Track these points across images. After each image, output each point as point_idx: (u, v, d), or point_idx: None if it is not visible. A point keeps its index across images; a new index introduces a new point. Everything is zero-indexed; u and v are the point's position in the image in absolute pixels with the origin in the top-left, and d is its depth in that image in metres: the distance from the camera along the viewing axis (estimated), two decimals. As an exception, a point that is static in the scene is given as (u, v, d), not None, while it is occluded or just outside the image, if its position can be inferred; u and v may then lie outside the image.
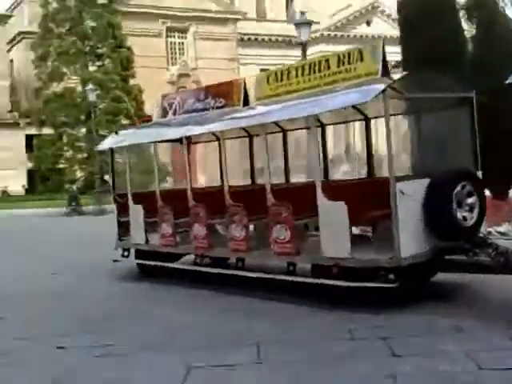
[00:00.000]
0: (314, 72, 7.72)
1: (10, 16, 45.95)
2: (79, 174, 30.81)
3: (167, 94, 10.39)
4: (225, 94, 9.17)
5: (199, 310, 6.90)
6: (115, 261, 9.76)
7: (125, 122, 29.89)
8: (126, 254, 9.83)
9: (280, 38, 62.45)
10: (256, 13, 59.87)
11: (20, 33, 49.65)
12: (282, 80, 8.30)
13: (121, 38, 31.35)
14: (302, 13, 17.13)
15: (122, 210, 9.78)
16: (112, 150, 10.35)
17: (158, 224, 9.09)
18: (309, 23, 16.85)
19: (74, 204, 24.65)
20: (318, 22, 62.93)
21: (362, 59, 7.15)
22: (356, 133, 26.07)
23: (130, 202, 9.60)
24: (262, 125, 7.78)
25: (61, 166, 30.67)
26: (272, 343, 5.38)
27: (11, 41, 48.18)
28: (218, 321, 6.35)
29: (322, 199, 6.57)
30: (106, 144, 10.41)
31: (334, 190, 6.94)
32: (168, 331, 6.08)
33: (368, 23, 62.98)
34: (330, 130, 9.98)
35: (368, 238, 7.55)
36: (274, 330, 5.80)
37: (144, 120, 10.62)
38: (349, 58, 7.30)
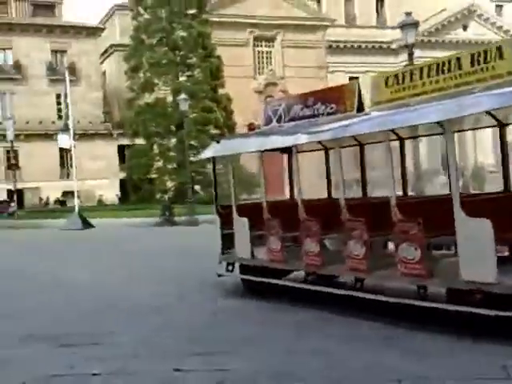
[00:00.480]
0: (443, 72, 6.97)
1: (102, 29, 47.23)
2: (170, 184, 30.98)
3: (271, 101, 9.91)
4: (336, 99, 8.54)
5: (320, 336, 6.28)
6: (220, 275, 9.33)
7: (214, 131, 29.85)
8: (230, 268, 9.37)
9: (370, 45, 61.18)
10: (344, 19, 58.90)
11: (112, 45, 51.09)
12: (403, 82, 7.60)
13: (211, 47, 31.38)
14: (408, 14, 16.25)
15: (226, 222, 9.31)
16: (214, 160, 9.93)
17: (264, 238, 8.59)
18: (415, 24, 15.99)
19: (167, 214, 24.64)
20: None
21: (501, 57, 6.35)
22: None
23: (235, 214, 9.14)
24: (379, 132, 7.11)
25: (152, 175, 30.95)
26: (415, 380, 4.69)
27: (103, 53, 49.61)
28: (346, 349, 5.70)
29: (460, 215, 5.81)
30: (208, 153, 9.99)
31: (474, 206, 6.24)
32: (288, 358, 5.51)
33: (465, 28, 60.57)
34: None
35: (506, 259, 6.69)
36: (411, 365, 5.10)
37: (250, 128, 10.08)
38: (485, 55, 6.52)
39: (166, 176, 31.20)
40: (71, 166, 45.76)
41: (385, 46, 61.99)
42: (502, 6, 66.61)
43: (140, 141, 32.99)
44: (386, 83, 7.82)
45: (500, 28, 61.98)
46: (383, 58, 62.72)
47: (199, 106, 29.89)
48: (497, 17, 63.57)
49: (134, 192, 34.16)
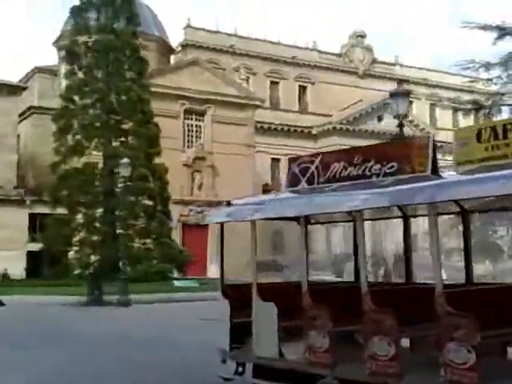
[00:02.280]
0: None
1: (24, 88, 44.57)
2: (93, 258, 27.98)
3: (297, 158, 8.02)
4: (398, 156, 6.80)
5: None
6: (226, 379, 7.10)
7: (147, 202, 27.59)
8: (240, 369, 7.19)
9: (292, 128, 61.77)
10: (269, 102, 59.28)
11: (31, 107, 48.34)
12: (505, 137, 6.01)
13: (150, 114, 29.53)
14: (400, 81, 15.17)
15: (237, 307, 7.27)
16: (222, 226, 7.82)
17: (300, 331, 6.55)
18: (407, 93, 14.86)
19: (96, 292, 21.69)
20: (330, 115, 62.67)
21: None
22: None
23: (256, 297, 7.03)
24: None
25: (74, 248, 27.87)
26: None
27: (19, 115, 46.60)
28: None
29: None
30: (217, 217, 7.92)
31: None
32: None
33: (379, 119, 62.70)
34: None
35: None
36: None
37: (265, 190, 8.08)
38: None
39: (89, 249, 28.23)
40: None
41: (306, 130, 62.95)
42: (412, 102, 69.95)
43: (59, 210, 29.97)
44: (479, 138, 6.20)
45: (411, 122, 64.70)
46: (304, 142, 63.56)
47: (134, 173, 27.65)
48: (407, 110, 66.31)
49: (51, 266, 30.68)
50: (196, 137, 46.79)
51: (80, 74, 29.15)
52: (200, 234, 43.95)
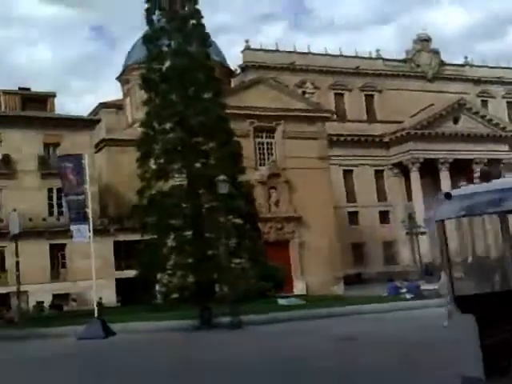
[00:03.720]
0: None
1: (97, 121, 45.85)
2: (190, 279, 27.90)
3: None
4: None
5: None
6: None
7: (237, 221, 27.46)
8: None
9: (362, 138, 60.94)
10: (336, 114, 58.64)
11: (103, 140, 49.67)
12: None
13: (230, 132, 29.47)
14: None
15: (488, 323, 6.06)
16: (443, 223, 6.57)
17: None
18: None
19: (207, 315, 21.44)
20: (400, 122, 61.41)
21: None
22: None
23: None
24: None
25: (168, 271, 27.91)
26: None
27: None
28: None
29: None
30: (442, 213, 6.52)
31: None
32: None
33: (456, 120, 61.01)
34: None
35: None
36: None
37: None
38: None
39: (183, 272, 28.20)
40: (62, 266, 42.68)
41: (377, 139, 61.96)
42: (487, 101, 67.91)
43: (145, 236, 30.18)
44: None
45: (490, 121, 62.65)
46: (375, 151, 62.52)
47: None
48: (485, 110, 64.44)
49: (144, 292, 30.84)
50: (268, 154, 46.64)
51: (157, 101, 29.42)
52: (282, 251, 43.64)
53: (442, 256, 6.67)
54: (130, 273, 34.42)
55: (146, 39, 30.80)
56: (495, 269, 20.94)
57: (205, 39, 30.56)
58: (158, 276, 28.10)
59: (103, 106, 58.90)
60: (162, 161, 28.51)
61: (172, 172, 28.57)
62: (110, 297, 39.67)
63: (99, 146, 49.29)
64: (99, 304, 37.22)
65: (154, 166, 28.63)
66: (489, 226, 34.35)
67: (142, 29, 30.91)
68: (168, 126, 28.63)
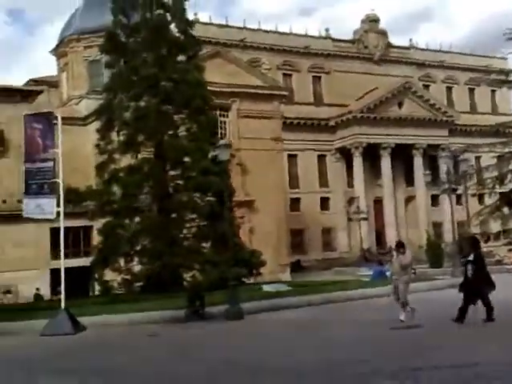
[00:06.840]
0: None
1: (40, 92, 41.16)
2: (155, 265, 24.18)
3: None
4: None
5: None
6: None
7: (211, 198, 24.06)
8: None
9: (308, 122, 58.84)
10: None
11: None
12: None
13: (208, 99, 25.86)
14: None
15: None
16: None
17: None
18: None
19: (198, 304, 17.98)
20: (346, 105, 59.65)
21: None
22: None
23: None
24: None
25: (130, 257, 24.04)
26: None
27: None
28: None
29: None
30: None
31: None
32: None
33: (400, 104, 60.28)
34: None
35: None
36: None
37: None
38: None
39: (145, 258, 24.44)
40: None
41: (322, 123, 60.14)
42: (428, 85, 67.65)
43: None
44: None
45: (433, 106, 62.31)
46: (320, 136, 60.67)
47: (195, 167, 23.93)
48: (429, 94, 64.11)
49: (99, 281, 26.71)
50: (222, 134, 43.39)
51: (122, 61, 25.43)
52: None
53: None
54: (68, 263, 30.28)
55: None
56: None
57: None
58: (121, 263, 24.45)
59: (34, 82, 53.84)
60: (125, 132, 24.68)
61: (140, 144, 24.81)
62: (44, 289, 35.14)
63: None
64: (37, 296, 32.99)
65: (116, 138, 24.81)
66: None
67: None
68: (136, 90, 24.83)
